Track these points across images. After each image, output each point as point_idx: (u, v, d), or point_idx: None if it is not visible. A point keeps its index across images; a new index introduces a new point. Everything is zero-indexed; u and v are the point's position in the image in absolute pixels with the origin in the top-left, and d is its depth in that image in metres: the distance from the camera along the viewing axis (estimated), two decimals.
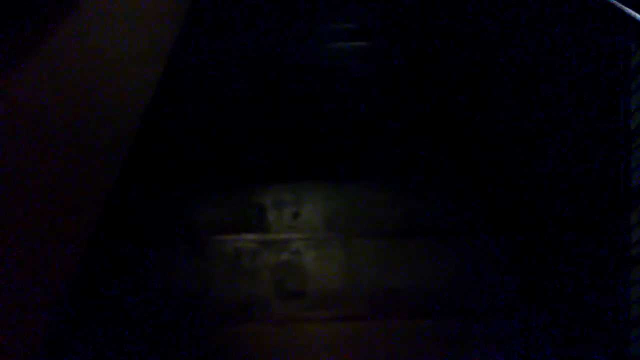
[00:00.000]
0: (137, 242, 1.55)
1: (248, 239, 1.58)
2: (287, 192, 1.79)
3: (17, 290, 1.04)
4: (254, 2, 3.66)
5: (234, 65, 2.74)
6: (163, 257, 1.51)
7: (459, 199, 1.73)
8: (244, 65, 2.75)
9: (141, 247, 1.53)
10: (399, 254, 1.53)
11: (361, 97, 2.35)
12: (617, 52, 1.15)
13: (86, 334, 1.27)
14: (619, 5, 1.14)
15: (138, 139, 1.94)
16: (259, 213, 1.71)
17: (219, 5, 3.61)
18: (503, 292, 1.42)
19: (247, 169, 1.96)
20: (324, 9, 3.66)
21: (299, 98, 2.42)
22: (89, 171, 1.47)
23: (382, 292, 1.41)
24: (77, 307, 1.31)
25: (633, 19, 1.09)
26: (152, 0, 2.35)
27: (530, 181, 1.61)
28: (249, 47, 2.96)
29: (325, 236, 1.60)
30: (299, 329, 1.32)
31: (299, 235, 1.60)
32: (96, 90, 1.57)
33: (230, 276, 1.46)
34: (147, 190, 1.80)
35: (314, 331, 1.31)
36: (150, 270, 1.47)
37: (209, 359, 1.23)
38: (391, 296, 1.40)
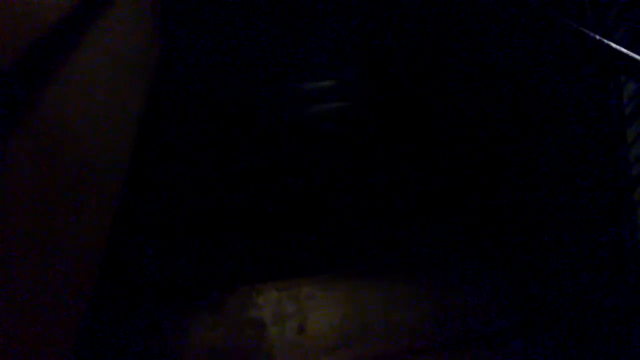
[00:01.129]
0: None
1: None
2: (287, 301, 1.53)
3: None
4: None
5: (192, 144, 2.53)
6: None
7: (490, 294, 1.49)
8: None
9: None
10: None
11: (357, 172, 2.14)
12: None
13: None
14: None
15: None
16: (256, 331, 1.45)
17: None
18: None
19: (237, 273, 1.71)
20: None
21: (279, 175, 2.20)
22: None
23: None
24: None
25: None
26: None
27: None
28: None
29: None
30: None
31: None
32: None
33: None
34: (119, 311, 1.52)
35: None
36: None
37: None
38: None
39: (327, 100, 3.06)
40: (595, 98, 1.27)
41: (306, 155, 2.36)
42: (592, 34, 1.15)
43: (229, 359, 1.41)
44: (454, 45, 1.97)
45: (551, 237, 1.49)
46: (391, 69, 2.95)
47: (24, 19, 1.18)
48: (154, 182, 2.22)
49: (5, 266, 1.01)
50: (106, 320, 1.52)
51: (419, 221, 1.78)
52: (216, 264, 1.75)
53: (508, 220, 1.67)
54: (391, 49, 2.92)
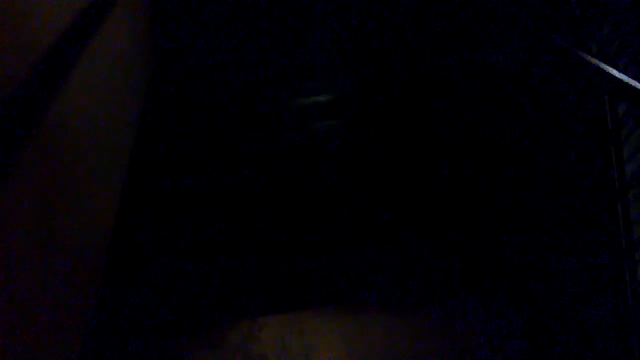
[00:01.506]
0: None
1: None
2: (291, 336, 1.49)
3: None
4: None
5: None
6: None
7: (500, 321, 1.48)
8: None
9: None
10: None
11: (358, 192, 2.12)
12: None
13: None
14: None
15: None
16: None
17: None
18: None
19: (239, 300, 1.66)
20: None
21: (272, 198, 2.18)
22: None
23: None
24: None
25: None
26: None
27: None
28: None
29: None
30: None
31: None
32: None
33: None
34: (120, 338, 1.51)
35: None
36: None
37: None
38: None
39: (325, 117, 2.92)
40: (594, 99, 1.27)
41: (308, 175, 2.30)
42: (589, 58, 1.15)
43: None
44: (454, 47, 1.97)
45: (551, 237, 1.49)
46: (389, 77, 2.95)
47: (38, 28, 1.18)
48: (154, 194, 2.20)
49: (6, 267, 1.00)
50: (109, 345, 1.48)
51: (419, 226, 1.78)
52: (219, 292, 1.68)
53: (508, 221, 1.67)
54: (389, 55, 2.92)
